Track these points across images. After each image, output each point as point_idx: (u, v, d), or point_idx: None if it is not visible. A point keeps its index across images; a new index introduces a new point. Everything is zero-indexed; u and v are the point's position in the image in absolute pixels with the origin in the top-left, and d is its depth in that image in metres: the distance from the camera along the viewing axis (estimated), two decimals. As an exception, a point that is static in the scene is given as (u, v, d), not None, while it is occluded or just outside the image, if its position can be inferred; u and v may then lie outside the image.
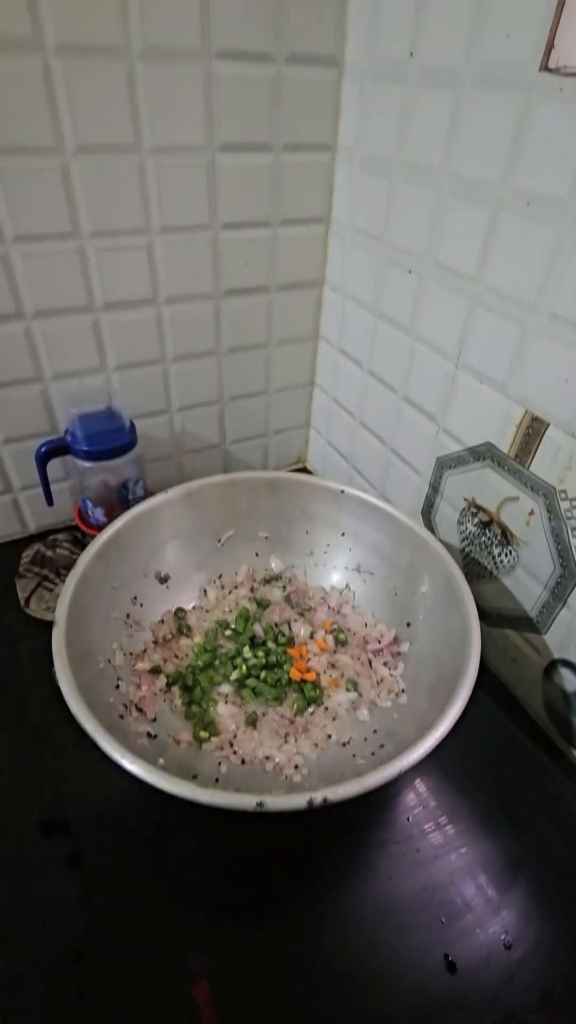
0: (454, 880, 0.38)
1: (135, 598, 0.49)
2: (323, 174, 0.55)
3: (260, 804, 0.30)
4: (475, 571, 0.52)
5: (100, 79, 0.43)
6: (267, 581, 0.57)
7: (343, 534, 0.56)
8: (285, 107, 0.49)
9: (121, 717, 0.40)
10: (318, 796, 0.30)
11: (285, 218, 0.56)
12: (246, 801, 0.30)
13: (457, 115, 0.41)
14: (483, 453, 0.47)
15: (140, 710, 0.42)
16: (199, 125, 0.47)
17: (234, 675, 0.48)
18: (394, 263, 0.51)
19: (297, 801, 0.30)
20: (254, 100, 0.48)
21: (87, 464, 0.55)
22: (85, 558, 0.43)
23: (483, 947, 0.36)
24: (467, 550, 0.53)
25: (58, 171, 0.45)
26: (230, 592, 0.56)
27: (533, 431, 0.42)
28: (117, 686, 0.42)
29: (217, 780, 0.40)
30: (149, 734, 0.41)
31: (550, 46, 0.34)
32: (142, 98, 0.44)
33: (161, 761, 0.38)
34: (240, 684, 0.47)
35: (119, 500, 0.59)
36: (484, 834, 0.41)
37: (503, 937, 0.36)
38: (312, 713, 0.46)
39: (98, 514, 0.59)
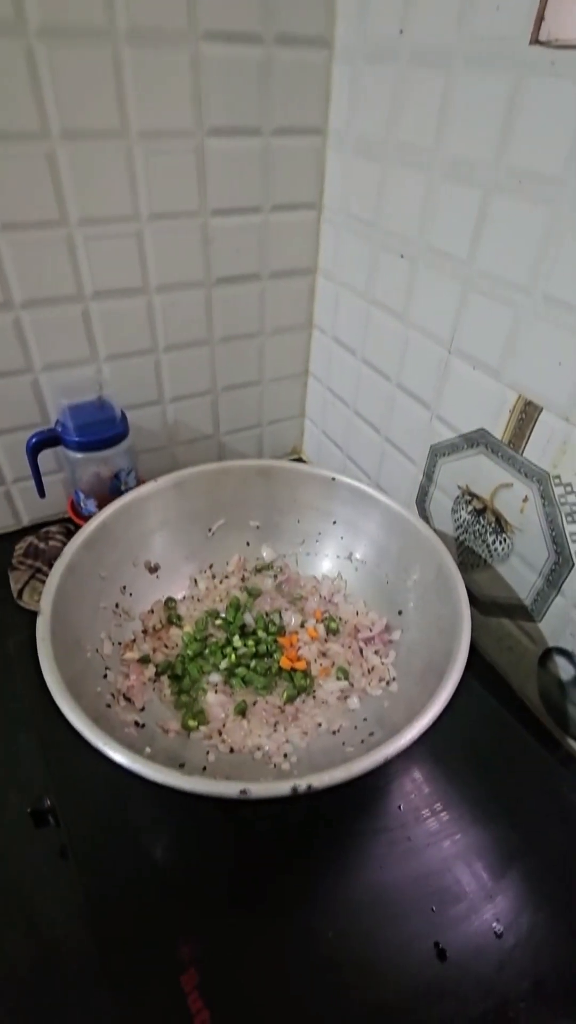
0: (446, 868, 0.38)
1: (124, 588, 0.49)
2: (314, 158, 0.54)
3: (244, 791, 0.29)
4: (470, 559, 0.52)
5: (85, 62, 0.42)
6: (258, 570, 0.57)
7: (334, 522, 0.55)
8: (275, 90, 0.49)
9: (108, 706, 0.39)
10: (302, 783, 0.30)
11: (276, 203, 0.55)
12: (230, 788, 0.30)
13: (448, 93, 0.40)
14: (477, 439, 0.47)
15: (128, 699, 0.42)
16: (187, 109, 0.47)
17: (224, 664, 0.48)
18: (387, 248, 0.51)
19: (281, 788, 0.30)
20: (243, 83, 0.47)
21: (79, 455, 0.55)
22: (72, 547, 0.43)
23: (475, 935, 0.35)
24: (462, 538, 0.52)
25: (43, 157, 0.44)
26: (221, 582, 0.55)
27: (527, 416, 0.42)
28: (105, 675, 0.42)
29: (205, 769, 0.40)
30: (137, 723, 0.40)
31: (540, 18, 0.33)
32: (128, 81, 0.44)
33: (148, 750, 0.37)
34: (230, 673, 0.47)
35: (112, 491, 0.58)
36: (477, 822, 0.41)
37: (495, 925, 0.36)
38: (302, 702, 0.46)
39: (91, 505, 0.59)
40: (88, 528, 0.45)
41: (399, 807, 0.41)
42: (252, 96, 0.48)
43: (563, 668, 0.45)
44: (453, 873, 0.38)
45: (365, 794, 0.42)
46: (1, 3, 0.38)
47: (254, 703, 0.45)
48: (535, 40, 0.34)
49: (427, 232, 0.46)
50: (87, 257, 0.50)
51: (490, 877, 0.38)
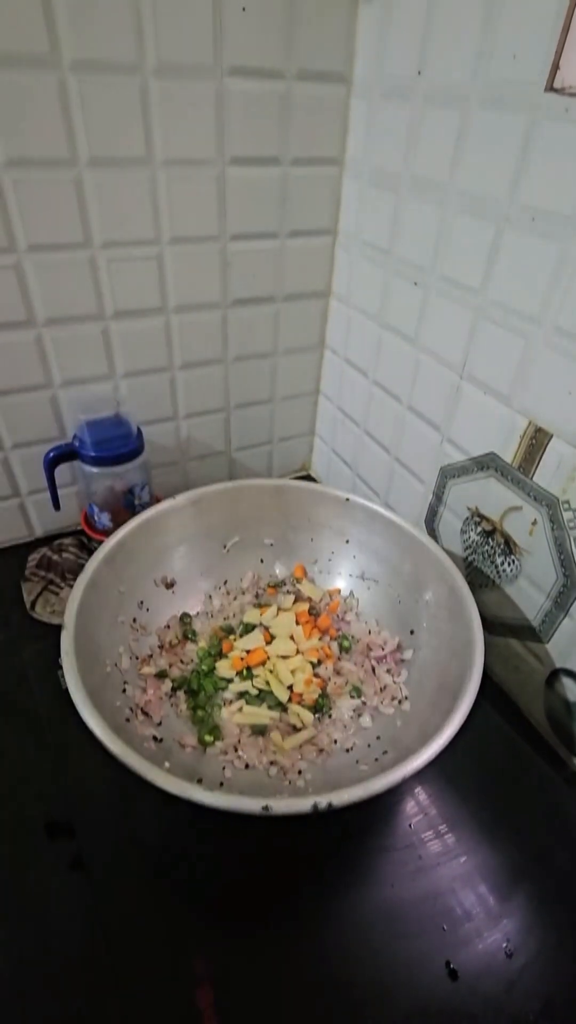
0: (456, 888, 0.39)
1: (141, 603, 0.50)
2: (331, 187, 0.56)
3: (266, 808, 0.30)
4: (478, 580, 0.52)
5: (114, 94, 0.44)
6: (272, 587, 0.57)
7: (347, 541, 0.56)
8: (294, 122, 0.50)
9: (127, 720, 0.40)
10: (323, 800, 0.31)
11: (293, 230, 0.57)
12: (252, 804, 0.30)
13: (463, 132, 0.42)
14: (487, 463, 0.48)
15: (146, 714, 0.43)
16: (210, 139, 0.48)
17: (235, 684, 0.48)
18: (400, 275, 0.52)
19: (302, 805, 0.31)
20: (264, 115, 0.49)
21: (94, 469, 0.56)
22: (94, 562, 0.44)
23: (485, 955, 0.36)
24: (470, 559, 0.53)
25: (71, 183, 0.46)
26: (235, 598, 0.56)
27: (537, 442, 0.43)
28: (124, 690, 0.43)
29: (222, 784, 0.40)
30: (155, 738, 0.41)
31: (555, 67, 0.35)
32: (155, 113, 0.45)
33: (167, 764, 0.38)
34: (242, 692, 0.48)
35: (125, 505, 0.59)
36: (485, 842, 0.41)
37: (504, 945, 0.36)
38: (318, 720, 0.46)
39: (104, 519, 0.60)
40: (109, 543, 0.46)
41: (409, 826, 0.42)
42: (273, 128, 0.50)
43: (570, 689, 0.46)
44: (463, 892, 0.38)
45: (376, 813, 0.43)
46: (37, 39, 0.40)
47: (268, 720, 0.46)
48: (550, 87, 0.36)
49: (440, 262, 0.47)
50: (109, 278, 0.51)
51: (499, 897, 0.38)
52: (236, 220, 0.53)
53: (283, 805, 0.30)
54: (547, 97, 0.36)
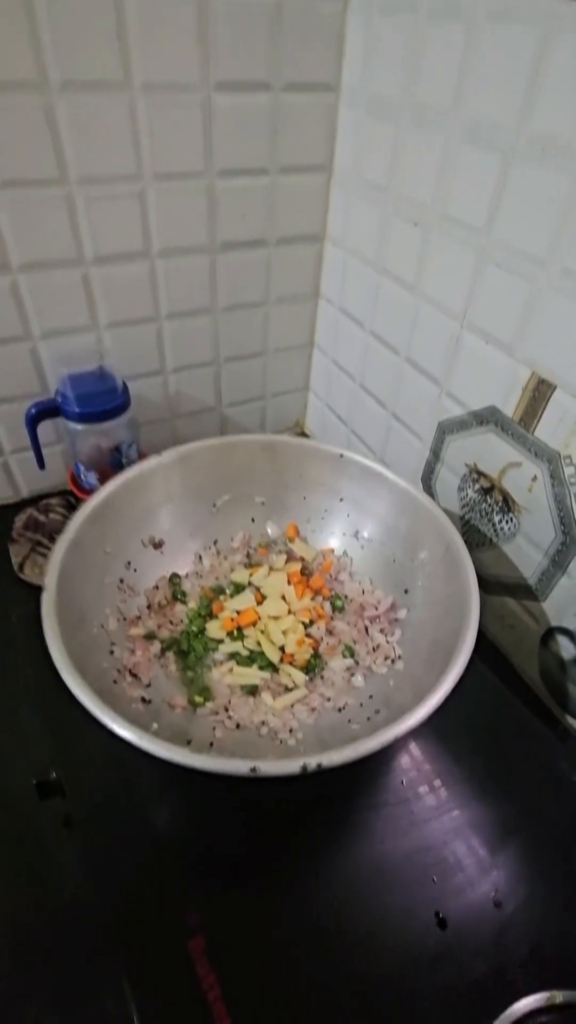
0: (447, 841, 0.39)
1: (129, 563, 0.49)
2: (325, 117, 0.52)
3: (254, 769, 0.30)
4: (475, 538, 0.51)
5: (88, 7, 0.39)
6: (263, 547, 0.56)
7: (341, 499, 0.55)
8: (286, 40, 0.46)
9: (115, 682, 0.39)
10: (312, 762, 0.30)
11: (285, 165, 0.53)
12: (240, 766, 0.30)
13: (470, 50, 0.38)
14: (487, 417, 0.46)
15: (134, 675, 0.42)
16: (193, 60, 0.44)
17: (226, 646, 0.48)
18: (399, 215, 0.49)
19: (291, 767, 0.30)
20: (252, 32, 0.45)
21: (79, 426, 0.54)
22: (76, 522, 0.42)
23: (474, 904, 0.36)
24: (467, 517, 0.52)
25: (42, 110, 0.42)
26: (225, 558, 0.55)
27: (539, 394, 0.41)
28: (111, 652, 0.42)
29: (212, 744, 0.40)
30: (143, 699, 0.41)
31: (574, -32, 0.31)
32: (132, 29, 0.41)
33: (155, 726, 0.38)
34: (234, 653, 0.47)
35: (112, 464, 0.57)
36: (477, 797, 0.41)
37: (493, 895, 0.37)
38: (309, 679, 0.46)
39: (91, 478, 0.58)
40: (92, 503, 0.44)
41: (401, 782, 0.42)
42: (261, 47, 0.46)
43: (565, 647, 0.45)
44: (454, 845, 0.39)
45: (369, 770, 0.43)
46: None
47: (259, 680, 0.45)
48: (568, -7, 0.32)
49: (442, 199, 0.44)
50: (87, 219, 0.48)
51: (489, 849, 0.39)
52: (223, 154, 0.50)
53: (271, 767, 0.30)
54: (564, 6, 0.32)
